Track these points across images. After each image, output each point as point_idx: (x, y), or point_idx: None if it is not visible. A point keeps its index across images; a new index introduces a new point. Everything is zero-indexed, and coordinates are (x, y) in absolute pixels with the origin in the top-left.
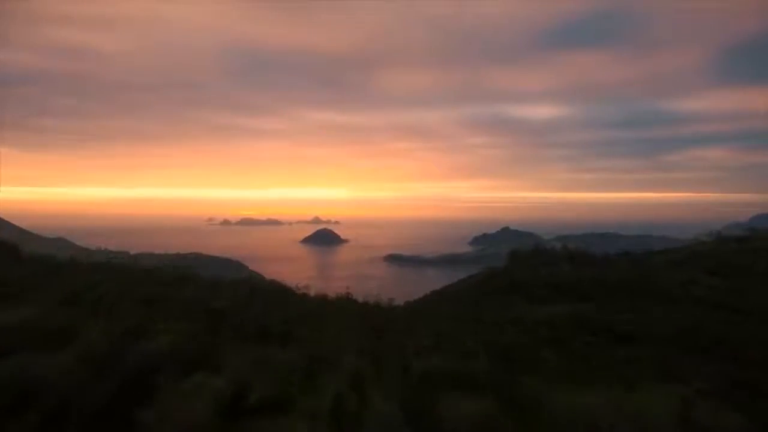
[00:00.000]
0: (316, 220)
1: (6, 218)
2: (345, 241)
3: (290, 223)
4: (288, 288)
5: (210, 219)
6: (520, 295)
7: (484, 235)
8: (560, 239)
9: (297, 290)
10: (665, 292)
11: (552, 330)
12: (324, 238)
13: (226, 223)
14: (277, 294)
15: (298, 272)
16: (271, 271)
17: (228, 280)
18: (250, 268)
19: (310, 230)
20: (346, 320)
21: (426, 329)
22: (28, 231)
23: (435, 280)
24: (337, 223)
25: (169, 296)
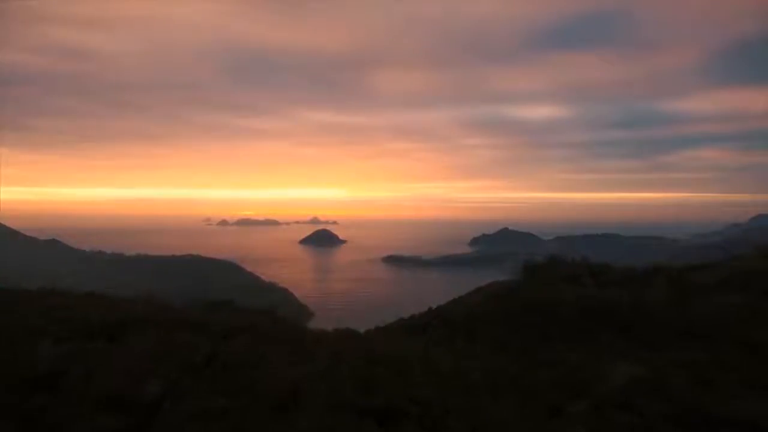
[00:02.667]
0: (315, 221)
1: (1, 220)
2: (344, 241)
3: (288, 224)
4: (273, 325)
5: (208, 219)
6: (547, 323)
7: (483, 236)
8: (560, 240)
9: (288, 322)
10: (746, 335)
11: (652, 422)
12: (323, 238)
13: (223, 223)
14: (258, 347)
15: (297, 274)
16: (269, 273)
17: (198, 314)
18: (247, 269)
19: (308, 230)
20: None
21: (451, 414)
22: (21, 233)
23: (435, 284)
24: (335, 223)
25: (81, 367)
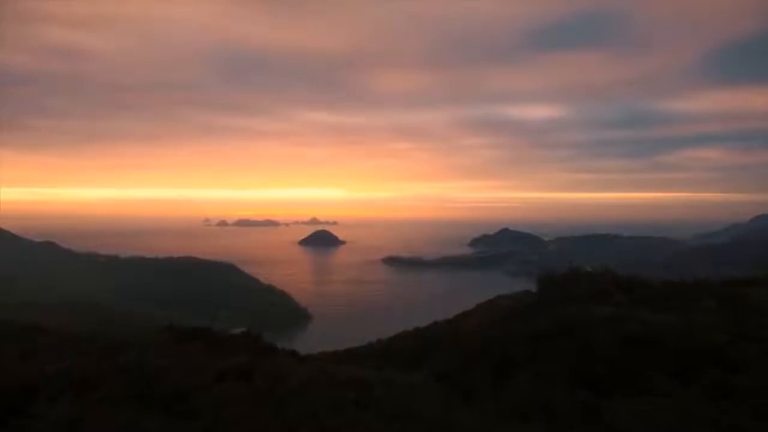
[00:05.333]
0: (314, 221)
1: None
2: (343, 242)
3: (287, 224)
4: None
5: (206, 220)
6: (585, 359)
7: (484, 236)
8: (561, 240)
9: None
10: None
11: None
12: (322, 239)
13: (222, 224)
14: None
15: (296, 275)
16: (268, 275)
17: (148, 368)
18: (246, 271)
19: (307, 231)
20: None
21: None
22: (14, 234)
23: (436, 286)
24: (335, 223)
25: None
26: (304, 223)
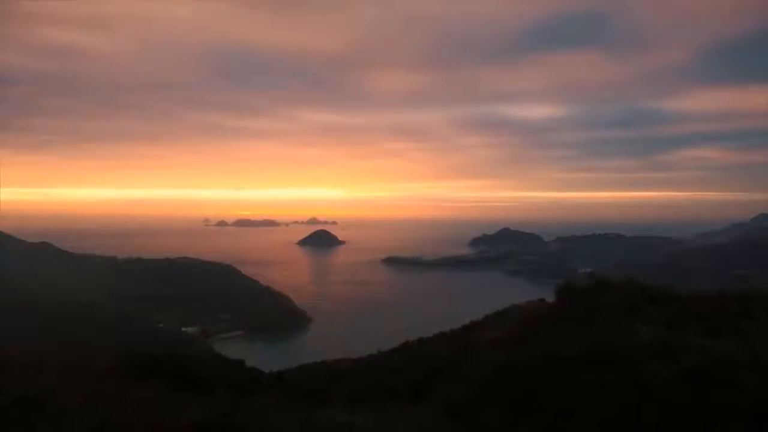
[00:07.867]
0: (313, 221)
1: None
2: (343, 242)
3: (287, 224)
4: None
5: (206, 220)
6: (641, 404)
7: (484, 236)
8: (561, 240)
9: None
10: None
11: None
12: (321, 239)
13: (222, 224)
14: None
15: (295, 276)
16: (267, 276)
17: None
18: (245, 273)
19: (306, 231)
20: None
21: None
22: (10, 235)
23: (437, 288)
24: (334, 223)
25: None
26: (303, 223)
